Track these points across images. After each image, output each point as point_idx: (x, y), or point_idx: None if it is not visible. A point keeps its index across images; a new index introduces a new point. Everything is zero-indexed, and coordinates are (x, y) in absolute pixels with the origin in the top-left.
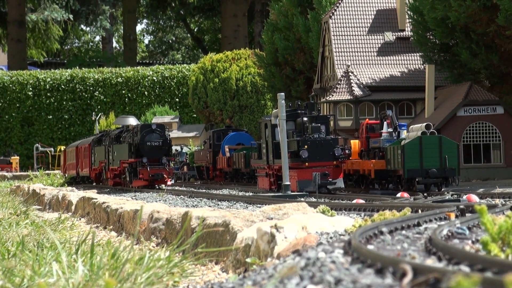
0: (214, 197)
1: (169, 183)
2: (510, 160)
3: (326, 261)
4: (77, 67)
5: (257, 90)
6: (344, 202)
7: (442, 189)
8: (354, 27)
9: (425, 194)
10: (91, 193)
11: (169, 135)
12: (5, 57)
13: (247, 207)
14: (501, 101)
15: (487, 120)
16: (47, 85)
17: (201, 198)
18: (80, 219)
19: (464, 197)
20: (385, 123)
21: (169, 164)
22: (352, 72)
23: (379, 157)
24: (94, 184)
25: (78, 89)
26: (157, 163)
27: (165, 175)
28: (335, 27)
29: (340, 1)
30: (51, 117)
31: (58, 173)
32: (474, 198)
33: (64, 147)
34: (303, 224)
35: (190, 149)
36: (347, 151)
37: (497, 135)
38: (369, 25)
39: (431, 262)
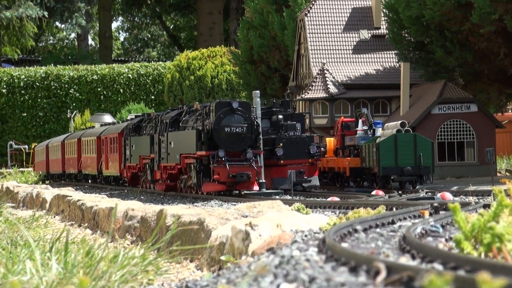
0: (189, 195)
1: (256, 187)
2: (483, 158)
3: (300, 259)
4: (52, 64)
5: (233, 87)
6: (319, 200)
7: (417, 187)
8: (329, 25)
9: (399, 192)
10: (66, 191)
11: (256, 118)
12: None
13: (222, 205)
14: (475, 99)
15: (461, 118)
16: (22, 83)
17: (176, 196)
18: (54, 216)
19: (438, 195)
20: (360, 121)
21: (258, 161)
22: (328, 70)
23: (354, 154)
24: (132, 187)
25: (53, 87)
26: (239, 158)
27: (251, 175)
28: (311, 25)
29: None
30: (25, 114)
31: (32, 170)
32: (448, 196)
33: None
34: (278, 222)
35: None
36: (322, 149)
37: (471, 133)
38: (344, 23)
39: (405, 260)
